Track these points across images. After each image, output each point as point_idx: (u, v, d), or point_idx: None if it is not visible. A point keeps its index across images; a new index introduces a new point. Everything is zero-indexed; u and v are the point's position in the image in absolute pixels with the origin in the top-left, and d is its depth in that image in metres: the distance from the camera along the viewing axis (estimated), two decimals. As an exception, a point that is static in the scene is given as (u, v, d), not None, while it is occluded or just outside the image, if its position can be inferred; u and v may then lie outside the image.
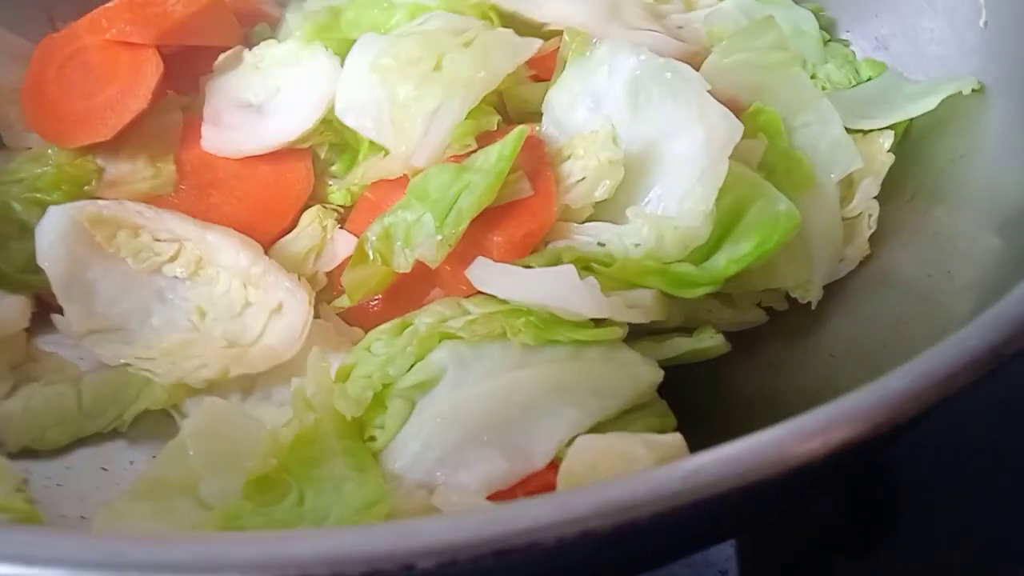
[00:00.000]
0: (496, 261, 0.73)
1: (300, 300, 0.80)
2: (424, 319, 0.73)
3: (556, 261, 0.72)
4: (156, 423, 0.79)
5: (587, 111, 0.82)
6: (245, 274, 0.82)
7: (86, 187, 0.89)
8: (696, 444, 0.75)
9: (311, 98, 0.90)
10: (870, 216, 0.89)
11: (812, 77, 1.00)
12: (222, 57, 0.96)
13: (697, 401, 0.83)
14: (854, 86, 0.99)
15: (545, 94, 0.85)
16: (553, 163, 0.80)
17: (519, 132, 0.75)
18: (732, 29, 0.98)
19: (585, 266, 0.73)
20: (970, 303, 0.74)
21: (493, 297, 0.72)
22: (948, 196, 0.88)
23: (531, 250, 0.75)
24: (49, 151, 0.90)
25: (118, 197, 0.87)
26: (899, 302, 0.83)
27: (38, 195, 0.89)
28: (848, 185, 0.90)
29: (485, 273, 0.70)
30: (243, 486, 0.62)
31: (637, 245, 0.74)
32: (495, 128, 0.80)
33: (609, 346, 0.70)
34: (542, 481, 0.64)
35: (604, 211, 0.79)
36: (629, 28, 0.89)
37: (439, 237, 0.72)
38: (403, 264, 0.74)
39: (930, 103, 0.88)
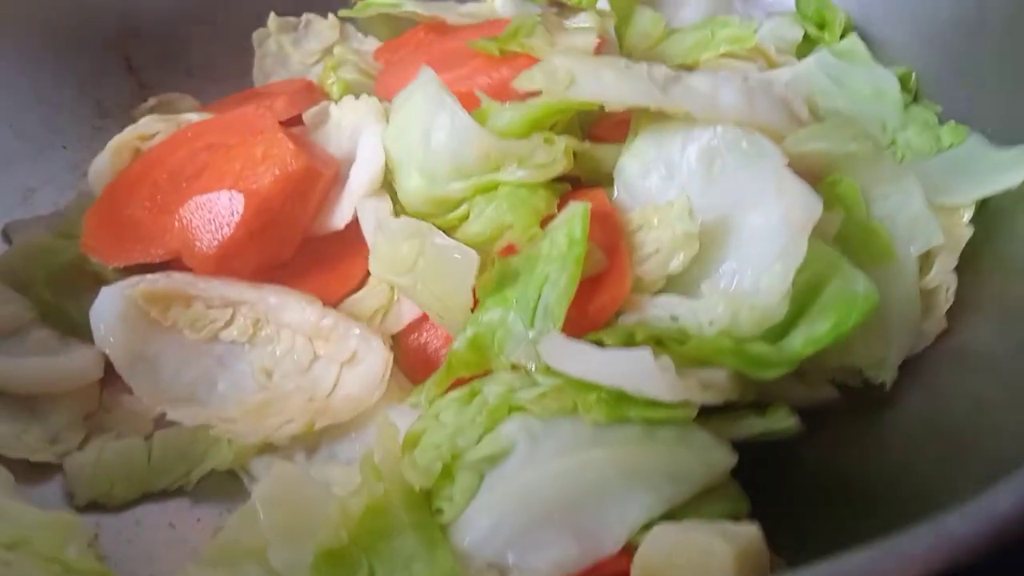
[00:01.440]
0: (567, 335, 0.72)
1: (376, 346, 0.81)
2: (493, 388, 0.72)
3: (629, 338, 0.71)
4: (221, 482, 0.80)
5: (660, 179, 0.82)
6: (313, 329, 0.82)
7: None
8: (767, 527, 0.74)
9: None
10: (948, 289, 0.87)
11: (891, 143, 0.99)
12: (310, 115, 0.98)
13: (766, 480, 0.81)
14: (935, 154, 0.96)
15: (618, 157, 0.85)
16: (625, 233, 0.79)
17: (584, 212, 0.74)
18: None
19: (658, 342, 0.72)
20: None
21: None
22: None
23: (603, 324, 0.75)
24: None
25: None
26: (978, 381, 0.81)
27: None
28: (926, 257, 0.88)
29: (558, 350, 0.69)
30: (313, 559, 0.62)
31: (711, 322, 0.72)
32: (555, 211, 0.79)
33: (681, 426, 0.69)
34: (615, 567, 0.62)
35: (676, 283, 0.77)
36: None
37: (530, 336, 0.72)
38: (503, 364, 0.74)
39: (1015, 179, 0.86)
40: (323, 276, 0.87)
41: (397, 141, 0.86)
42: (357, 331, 0.82)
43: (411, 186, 0.84)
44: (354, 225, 0.87)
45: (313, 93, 1.02)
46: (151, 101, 1.11)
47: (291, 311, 0.83)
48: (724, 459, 0.69)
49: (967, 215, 0.89)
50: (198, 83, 1.16)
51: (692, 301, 0.74)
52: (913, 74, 1.05)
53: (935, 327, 0.86)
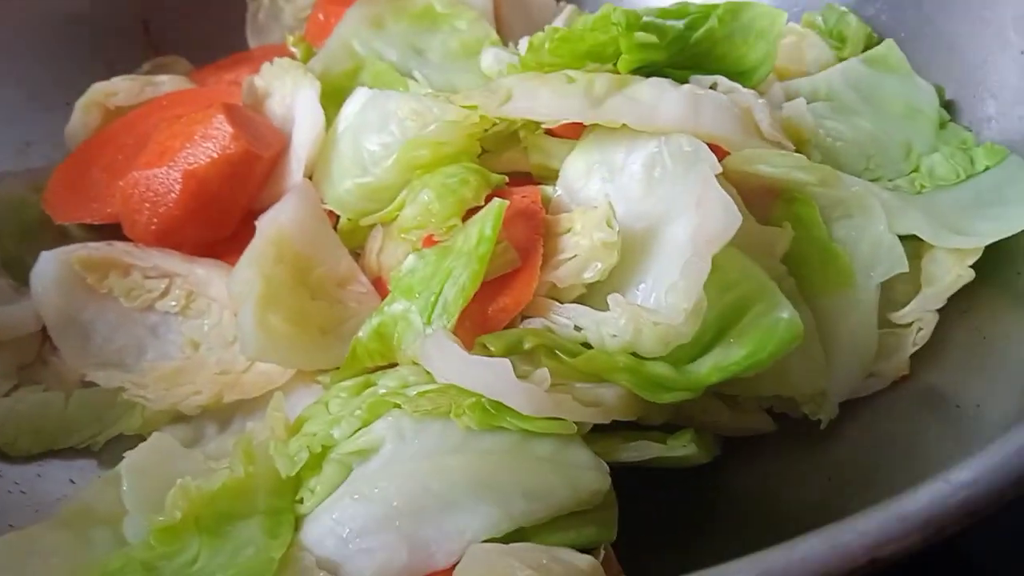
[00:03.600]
0: (463, 334, 0.69)
1: None
2: (387, 382, 0.71)
3: (516, 344, 0.68)
4: (130, 447, 0.79)
5: (600, 182, 0.78)
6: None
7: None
8: (666, 551, 0.70)
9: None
10: (920, 330, 0.80)
11: (914, 171, 0.88)
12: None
13: (686, 503, 0.77)
14: (963, 180, 0.86)
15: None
16: (552, 234, 0.76)
17: (498, 209, 0.71)
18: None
19: (549, 352, 0.68)
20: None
21: None
22: (1006, 315, 0.77)
23: (503, 324, 0.71)
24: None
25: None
26: (918, 428, 0.74)
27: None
28: (906, 289, 0.81)
29: (433, 349, 0.67)
30: (149, 533, 0.62)
31: (614, 336, 0.68)
32: (482, 203, 0.76)
33: (560, 442, 0.65)
34: (437, 580, 0.60)
35: (596, 293, 0.73)
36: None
37: (426, 332, 0.70)
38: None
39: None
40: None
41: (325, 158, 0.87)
42: None
43: (344, 187, 0.84)
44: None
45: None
46: (146, 65, 1.13)
47: (217, 285, 0.83)
48: (594, 482, 0.65)
49: (972, 259, 0.79)
50: (212, 52, 1.16)
51: (596, 313, 0.70)
52: (944, 89, 0.96)
53: (894, 371, 0.79)
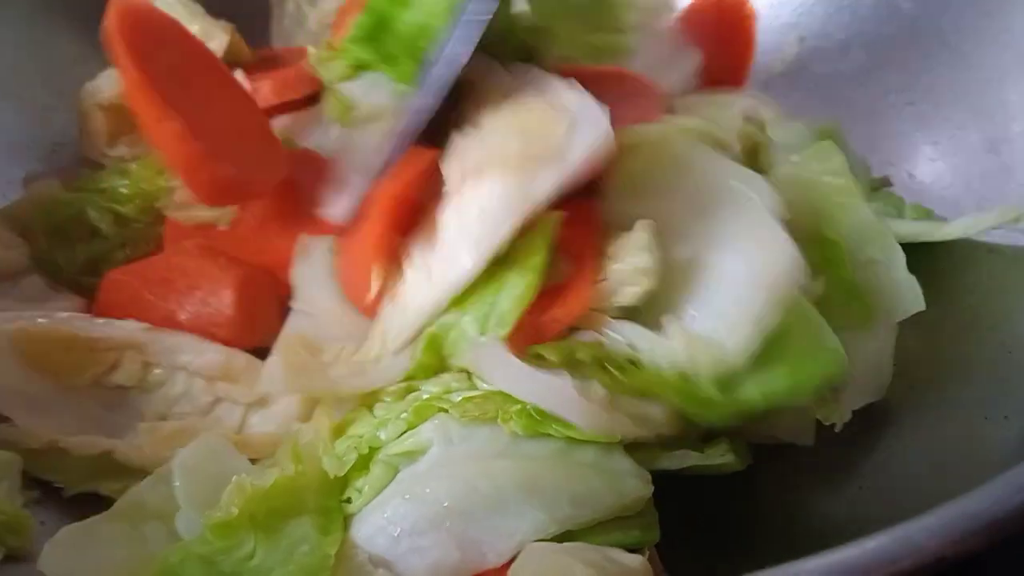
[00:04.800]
0: (515, 344, 0.70)
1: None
2: (430, 387, 0.72)
3: (570, 356, 0.69)
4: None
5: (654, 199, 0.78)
6: (219, 370, 0.79)
7: (156, 203, 0.93)
8: (704, 556, 0.72)
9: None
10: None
11: None
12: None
13: (714, 508, 0.78)
14: None
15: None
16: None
17: (554, 221, 0.72)
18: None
19: (602, 367, 0.69)
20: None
21: None
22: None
23: (554, 335, 0.72)
24: (133, 166, 0.95)
25: (182, 219, 0.91)
26: (947, 441, 0.76)
27: (113, 205, 0.94)
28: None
29: (490, 358, 0.68)
30: (205, 528, 0.63)
31: (670, 362, 0.69)
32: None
33: (603, 449, 0.67)
34: (491, 578, 0.61)
35: (637, 311, 0.73)
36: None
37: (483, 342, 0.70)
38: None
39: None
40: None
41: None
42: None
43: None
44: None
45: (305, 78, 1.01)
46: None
47: (188, 353, 0.79)
48: (638, 489, 0.67)
49: None
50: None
51: (651, 334, 0.71)
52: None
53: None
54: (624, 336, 0.72)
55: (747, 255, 0.72)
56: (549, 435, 0.67)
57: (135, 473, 0.74)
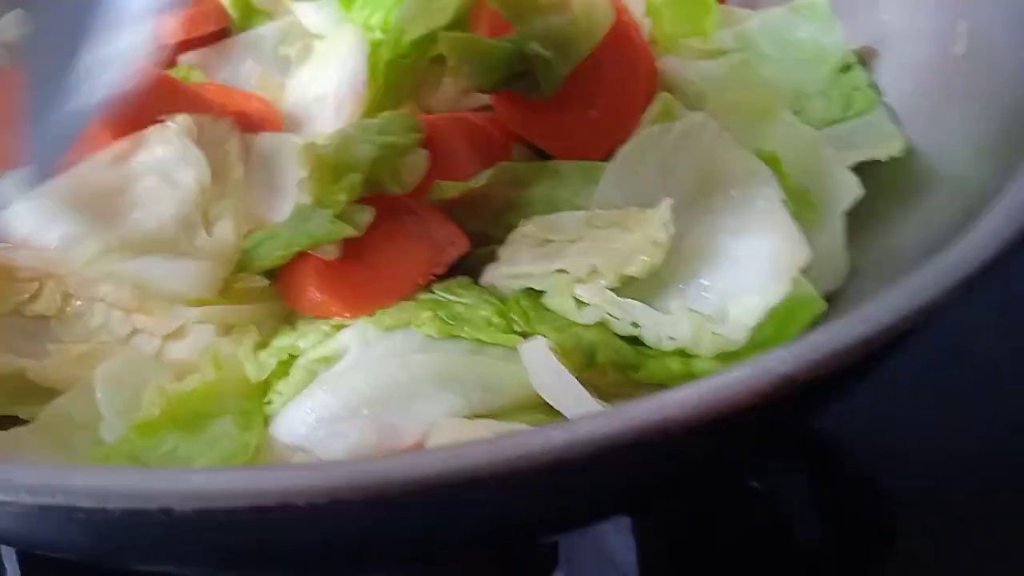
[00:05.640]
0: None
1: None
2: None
3: (592, 359, 0.70)
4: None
5: (654, 175, 0.80)
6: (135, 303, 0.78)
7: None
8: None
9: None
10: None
11: (797, 112, 0.93)
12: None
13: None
14: (828, 125, 0.94)
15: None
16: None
17: None
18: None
19: (617, 368, 0.71)
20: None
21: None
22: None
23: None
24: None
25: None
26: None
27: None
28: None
29: (532, 356, 0.69)
30: (128, 429, 0.66)
31: (671, 339, 0.71)
32: None
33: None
34: (407, 456, 0.65)
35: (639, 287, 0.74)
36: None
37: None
38: None
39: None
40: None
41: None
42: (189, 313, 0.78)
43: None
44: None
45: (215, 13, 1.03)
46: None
47: (107, 285, 0.79)
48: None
49: None
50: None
51: (656, 313, 0.72)
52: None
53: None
54: (628, 314, 0.72)
55: (755, 239, 0.74)
56: (461, 336, 0.71)
57: (53, 395, 0.75)
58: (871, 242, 0.84)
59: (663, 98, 0.86)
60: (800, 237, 0.73)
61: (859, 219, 0.85)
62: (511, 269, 0.76)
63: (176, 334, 0.79)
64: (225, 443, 0.65)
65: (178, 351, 0.78)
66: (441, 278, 0.76)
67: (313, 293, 0.74)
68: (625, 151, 0.81)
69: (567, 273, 0.73)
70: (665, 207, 0.73)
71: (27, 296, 0.79)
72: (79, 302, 0.80)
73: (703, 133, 0.80)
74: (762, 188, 0.77)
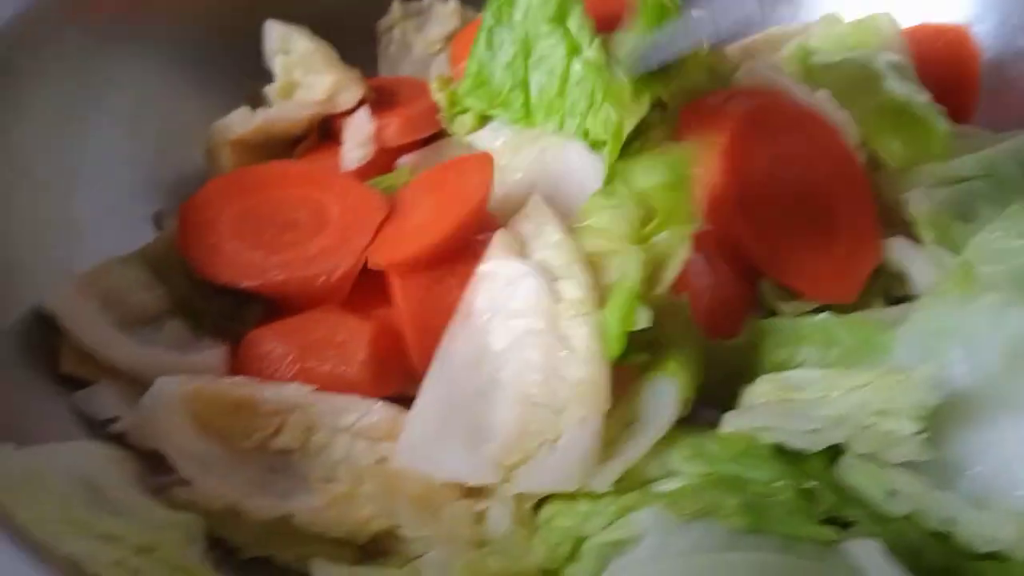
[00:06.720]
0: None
1: None
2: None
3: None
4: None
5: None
6: (382, 429, 0.77)
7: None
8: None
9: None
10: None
11: None
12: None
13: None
14: None
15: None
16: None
17: None
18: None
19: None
20: None
21: (700, 451, 0.70)
22: None
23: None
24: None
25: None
26: None
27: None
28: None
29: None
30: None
31: (993, 541, 0.64)
32: None
33: (822, 545, 0.65)
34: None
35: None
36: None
37: None
38: None
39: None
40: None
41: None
42: None
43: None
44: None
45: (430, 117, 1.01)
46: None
47: (352, 413, 0.78)
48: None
49: None
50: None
51: (973, 511, 0.65)
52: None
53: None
54: (942, 510, 0.65)
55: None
56: (766, 532, 0.65)
57: (309, 540, 0.73)
58: None
59: (961, 263, 0.76)
60: None
61: None
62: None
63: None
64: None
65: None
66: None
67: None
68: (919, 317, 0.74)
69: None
70: (925, 373, 0.67)
71: (272, 430, 0.78)
72: (321, 434, 0.78)
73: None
74: None
